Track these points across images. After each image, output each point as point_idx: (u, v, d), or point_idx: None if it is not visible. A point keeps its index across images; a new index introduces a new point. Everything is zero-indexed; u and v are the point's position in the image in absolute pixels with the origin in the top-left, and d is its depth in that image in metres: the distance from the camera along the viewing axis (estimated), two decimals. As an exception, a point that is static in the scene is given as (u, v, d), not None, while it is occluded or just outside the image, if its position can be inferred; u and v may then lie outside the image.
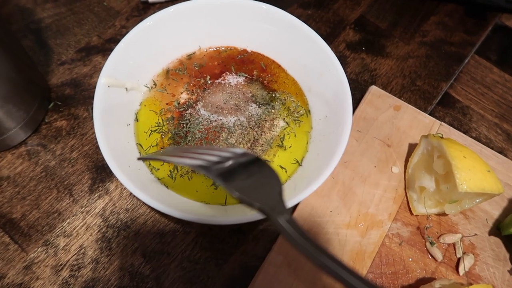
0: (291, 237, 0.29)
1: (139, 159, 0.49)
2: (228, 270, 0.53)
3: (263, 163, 0.36)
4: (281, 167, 0.55)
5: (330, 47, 0.56)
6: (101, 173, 0.58)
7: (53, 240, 0.54)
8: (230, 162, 0.35)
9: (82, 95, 0.63)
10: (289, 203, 0.47)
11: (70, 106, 0.62)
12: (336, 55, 0.56)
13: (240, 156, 0.36)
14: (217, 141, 0.55)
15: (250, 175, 0.34)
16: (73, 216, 0.55)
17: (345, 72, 0.55)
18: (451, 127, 0.63)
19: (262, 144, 0.56)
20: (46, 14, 0.70)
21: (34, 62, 0.63)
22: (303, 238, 0.29)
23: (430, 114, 0.65)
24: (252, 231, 0.56)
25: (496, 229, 0.56)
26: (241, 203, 0.36)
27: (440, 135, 0.54)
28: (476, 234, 0.55)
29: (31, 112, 0.58)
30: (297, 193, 0.47)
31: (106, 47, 0.68)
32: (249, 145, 0.56)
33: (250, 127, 0.57)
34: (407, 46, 0.74)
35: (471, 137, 0.64)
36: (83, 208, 0.56)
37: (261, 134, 0.57)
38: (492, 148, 0.63)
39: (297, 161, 0.55)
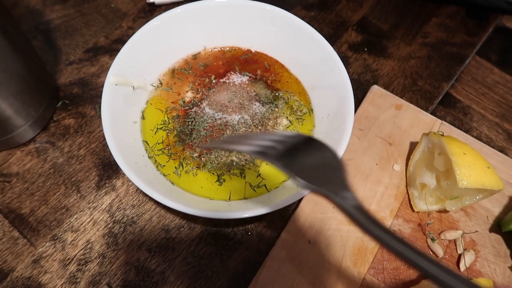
0: (357, 221, 0.29)
1: (202, 147, 0.52)
2: (232, 265, 0.54)
3: (320, 143, 0.34)
4: (284, 164, 0.56)
5: (333, 48, 0.58)
6: (108, 170, 0.59)
7: (61, 235, 0.55)
8: (283, 146, 0.34)
9: (90, 94, 0.65)
10: (292, 199, 0.48)
11: (78, 104, 0.64)
12: (339, 56, 0.57)
13: (292, 138, 0.35)
14: (222, 138, 0.57)
15: (308, 156, 0.33)
16: (80, 211, 0.56)
17: (348, 73, 0.56)
18: (452, 126, 0.64)
19: (266, 142, 0.57)
20: (55, 16, 0.72)
21: (43, 61, 0.65)
22: (369, 221, 0.29)
23: (431, 114, 0.66)
24: (256, 227, 0.57)
25: (497, 226, 0.56)
26: (285, 181, 0.33)
27: (441, 133, 0.55)
28: (477, 231, 0.56)
29: (40, 110, 0.59)
30: (299, 189, 0.48)
31: (113, 48, 0.70)
32: (253, 142, 0.57)
33: (254, 125, 0.58)
34: (408, 47, 0.75)
35: (472, 136, 0.64)
36: (90, 204, 0.57)
37: (265, 132, 0.58)
38: (492, 147, 0.63)
39: (300, 159, 0.56)
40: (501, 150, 0.65)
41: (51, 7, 0.73)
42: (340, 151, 0.50)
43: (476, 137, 0.65)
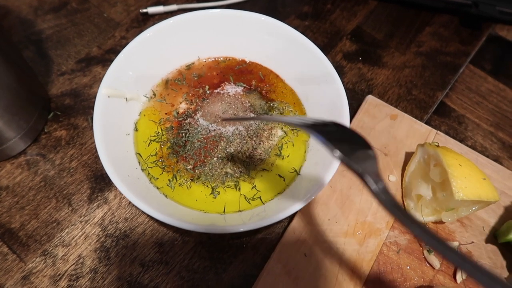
0: (385, 204, 0.31)
1: (223, 119, 0.54)
2: (227, 279, 0.53)
3: (355, 132, 0.36)
4: (280, 176, 0.56)
5: (327, 57, 0.57)
6: (100, 182, 0.58)
7: (52, 250, 0.54)
8: (325, 125, 0.37)
9: (82, 105, 0.64)
10: (288, 212, 0.47)
11: (70, 116, 0.63)
12: (333, 65, 0.57)
13: (330, 125, 0.38)
14: (216, 150, 0.56)
15: (345, 140, 0.34)
16: (72, 225, 0.55)
17: (342, 82, 0.55)
18: (447, 136, 0.64)
19: (261, 154, 0.57)
20: (46, 25, 0.71)
21: (34, 72, 0.64)
22: (396, 208, 0.30)
23: (426, 123, 0.66)
24: (251, 239, 0.56)
25: (493, 237, 0.56)
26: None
27: (436, 144, 0.55)
28: (473, 242, 0.56)
29: (31, 122, 0.58)
30: (295, 201, 0.48)
31: (106, 58, 0.69)
32: (247, 154, 0.56)
33: (249, 137, 0.57)
34: (403, 56, 0.75)
35: (467, 145, 0.64)
36: (82, 218, 0.56)
37: (260, 143, 0.57)
38: (487, 157, 0.63)
39: (295, 170, 0.56)
40: (496, 159, 0.65)
41: (42, 17, 0.72)
42: (336, 162, 0.49)
43: (471, 147, 0.65)
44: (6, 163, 0.59)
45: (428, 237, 0.29)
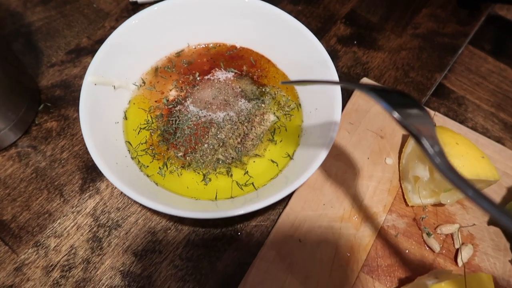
0: (440, 167, 0.31)
1: (282, 83, 0.56)
2: (221, 267, 0.52)
3: (412, 98, 0.36)
4: (272, 161, 0.54)
5: (321, 42, 0.56)
6: (91, 172, 0.58)
7: (44, 241, 0.53)
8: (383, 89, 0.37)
9: (72, 96, 0.63)
10: (280, 195, 0.46)
11: (60, 107, 0.62)
12: (328, 50, 0.55)
13: (388, 90, 0.38)
14: (207, 136, 0.55)
15: (403, 105, 0.35)
16: (63, 216, 0.55)
17: (337, 66, 0.54)
18: (445, 117, 0.62)
19: (253, 139, 0.56)
20: (36, 18, 0.71)
21: (23, 64, 0.63)
22: (451, 171, 0.30)
23: (424, 106, 0.64)
24: (245, 227, 0.55)
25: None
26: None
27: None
28: (474, 224, 0.54)
29: (20, 113, 0.57)
30: (288, 185, 0.46)
31: (96, 48, 0.66)
32: (239, 139, 0.55)
33: (240, 122, 0.56)
34: (399, 39, 0.73)
35: (468, 127, 0.62)
36: (74, 208, 0.55)
37: (251, 128, 0.56)
38: (489, 138, 0.61)
39: (289, 155, 0.54)
40: (498, 140, 0.63)
41: (32, 9, 0.71)
42: (329, 144, 0.48)
43: (471, 128, 0.63)
44: (-3, 156, 0.58)
45: (484, 201, 0.28)
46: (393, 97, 0.35)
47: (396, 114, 0.33)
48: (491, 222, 0.55)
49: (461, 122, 0.65)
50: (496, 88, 0.69)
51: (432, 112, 0.62)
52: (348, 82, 0.39)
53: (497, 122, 0.66)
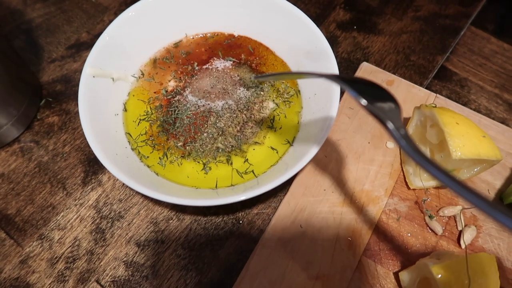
0: (405, 149, 0.33)
1: (255, 78, 0.55)
2: (223, 255, 0.53)
3: (380, 87, 0.38)
4: (272, 148, 0.54)
5: (320, 28, 0.55)
6: (93, 165, 0.58)
7: (48, 233, 0.54)
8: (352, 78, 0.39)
9: (73, 90, 0.64)
10: (280, 180, 0.45)
11: (62, 102, 0.63)
12: (327, 36, 0.55)
13: (359, 80, 0.40)
14: (206, 125, 0.55)
15: (371, 93, 0.36)
16: (67, 209, 0.55)
17: (337, 52, 0.54)
18: (447, 99, 0.61)
19: (252, 127, 0.56)
20: (36, 14, 0.71)
21: (24, 61, 0.64)
22: (416, 152, 0.32)
23: (426, 89, 0.64)
24: (247, 215, 0.55)
25: (499, 199, 0.54)
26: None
27: (433, 105, 0.53)
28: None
29: (22, 109, 0.58)
30: (288, 171, 0.46)
31: (95, 43, 0.68)
32: (238, 128, 0.55)
33: (239, 110, 0.56)
34: (399, 22, 0.72)
35: (471, 109, 0.61)
36: (77, 201, 0.56)
37: (250, 116, 0.56)
38: (493, 119, 0.60)
39: (288, 142, 0.54)
40: (502, 121, 0.62)
41: (32, 6, 0.72)
42: (328, 128, 0.48)
43: (475, 110, 0.62)
44: (1, 151, 0.59)
45: (449, 180, 0.29)
46: (362, 86, 0.37)
47: (363, 101, 0.35)
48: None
49: (464, 104, 0.64)
50: (499, 68, 0.68)
51: (433, 95, 0.61)
52: (320, 73, 0.41)
53: (501, 103, 0.64)
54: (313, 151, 0.47)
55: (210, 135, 0.54)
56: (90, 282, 0.51)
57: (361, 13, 0.73)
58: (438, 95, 0.61)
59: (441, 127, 0.47)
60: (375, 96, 0.36)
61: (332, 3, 0.74)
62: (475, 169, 0.50)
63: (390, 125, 0.33)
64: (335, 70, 0.52)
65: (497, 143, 0.50)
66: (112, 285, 0.51)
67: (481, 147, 0.46)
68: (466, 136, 0.46)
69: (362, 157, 0.56)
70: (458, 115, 0.49)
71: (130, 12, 0.56)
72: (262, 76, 0.56)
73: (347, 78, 0.39)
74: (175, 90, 0.58)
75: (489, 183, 0.55)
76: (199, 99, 0.57)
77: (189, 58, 0.61)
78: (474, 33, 0.71)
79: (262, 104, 0.57)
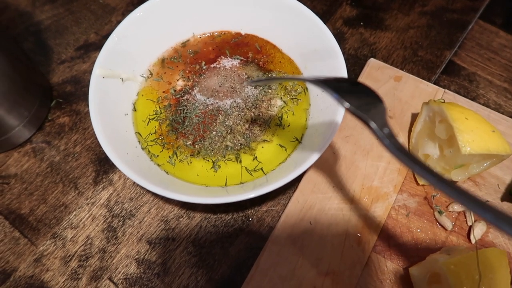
0: (389, 148, 0.33)
1: (251, 83, 0.55)
2: (234, 253, 0.53)
3: (365, 86, 0.38)
4: (281, 146, 0.54)
5: (327, 25, 0.56)
6: (104, 165, 0.59)
7: (61, 232, 0.55)
8: (336, 80, 0.39)
9: (83, 91, 0.64)
10: (289, 178, 0.46)
11: (72, 102, 0.64)
12: (334, 32, 0.55)
13: (342, 80, 0.40)
14: (215, 124, 0.55)
15: (355, 94, 0.36)
16: (79, 208, 0.56)
17: (344, 48, 0.54)
18: (456, 94, 0.61)
19: (260, 124, 0.56)
20: (44, 16, 0.72)
21: (34, 63, 0.65)
22: (399, 151, 0.32)
23: (434, 84, 0.63)
24: (257, 212, 0.55)
25: (509, 195, 0.53)
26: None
27: (442, 100, 0.52)
28: (487, 201, 0.53)
29: (33, 110, 0.59)
30: (297, 168, 0.47)
31: (104, 43, 0.68)
32: (247, 126, 0.55)
33: (247, 108, 0.56)
34: (406, 17, 0.72)
35: (480, 104, 0.61)
36: (88, 200, 0.57)
37: (259, 114, 0.56)
38: (502, 114, 0.60)
39: (297, 139, 0.54)
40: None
41: (40, 8, 0.73)
42: (336, 125, 0.48)
43: (484, 104, 0.62)
44: (13, 152, 0.60)
45: (433, 178, 0.29)
46: (345, 86, 0.37)
47: (345, 104, 0.34)
48: (504, 198, 0.54)
49: (473, 99, 0.63)
50: (508, 62, 0.67)
51: (441, 90, 0.61)
52: (303, 77, 0.42)
53: (510, 98, 0.64)
54: (321, 148, 0.47)
55: (219, 134, 0.55)
56: (103, 280, 0.52)
57: (368, 9, 0.73)
58: (446, 90, 0.61)
59: (450, 122, 0.47)
60: (358, 96, 0.36)
61: (338, 0, 0.74)
62: (485, 164, 0.50)
63: (373, 124, 0.33)
64: (342, 66, 0.52)
65: (506, 137, 0.50)
66: (124, 283, 0.52)
67: (490, 142, 0.46)
68: (475, 131, 0.46)
69: (371, 153, 0.56)
70: (467, 110, 0.49)
71: (137, 12, 0.57)
72: (254, 81, 0.55)
73: (329, 80, 0.39)
74: (183, 89, 0.59)
75: (498, 178, 0.54)
76: (208, 98, 0.57)
77: (196, 57, 0.61)
78: (482, 27, 0.71)
79: (270, 102, 0.58)
